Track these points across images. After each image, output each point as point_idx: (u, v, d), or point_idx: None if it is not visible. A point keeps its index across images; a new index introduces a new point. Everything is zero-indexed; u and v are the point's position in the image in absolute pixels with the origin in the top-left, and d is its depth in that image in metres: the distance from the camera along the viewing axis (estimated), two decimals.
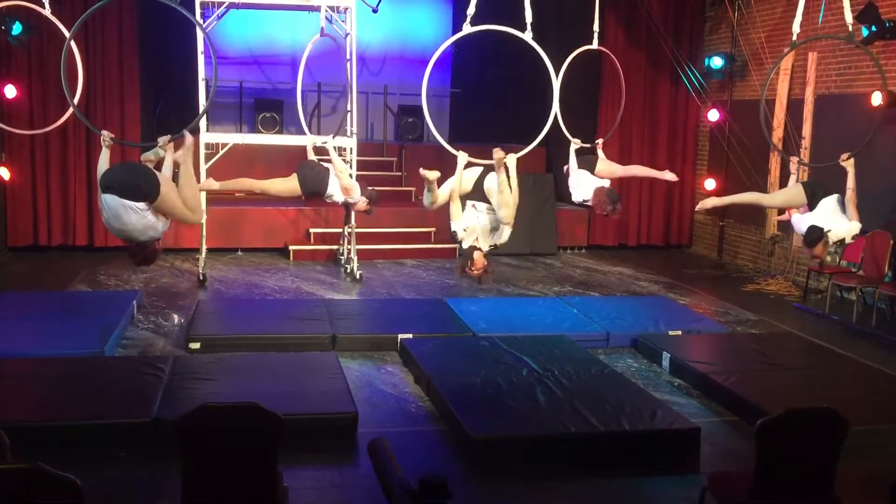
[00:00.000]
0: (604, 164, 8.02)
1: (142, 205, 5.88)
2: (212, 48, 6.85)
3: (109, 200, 5.87)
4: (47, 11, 6.87)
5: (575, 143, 8.14)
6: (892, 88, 8.92)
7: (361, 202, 8.21)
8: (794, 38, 7.28)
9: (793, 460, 3.81)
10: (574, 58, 8.27)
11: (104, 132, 6.14)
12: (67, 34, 6.75)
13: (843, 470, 3.92)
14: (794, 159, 7.58)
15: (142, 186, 5.91)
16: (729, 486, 4.09)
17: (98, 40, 10.96)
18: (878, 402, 6.06)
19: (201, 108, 9.59)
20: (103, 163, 6.05)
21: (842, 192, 6.91)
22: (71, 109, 6.87)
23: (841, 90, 9.85)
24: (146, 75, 11.50)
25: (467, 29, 7.03)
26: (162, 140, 6.32)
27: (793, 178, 7.52)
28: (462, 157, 6.62)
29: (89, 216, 11.23)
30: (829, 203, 6.94)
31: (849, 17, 7.08)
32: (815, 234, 6.80)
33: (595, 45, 8.33)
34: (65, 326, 7.21)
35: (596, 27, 8.11)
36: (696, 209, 8.21)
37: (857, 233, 6.85)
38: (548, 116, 7.52)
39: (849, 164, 6.89)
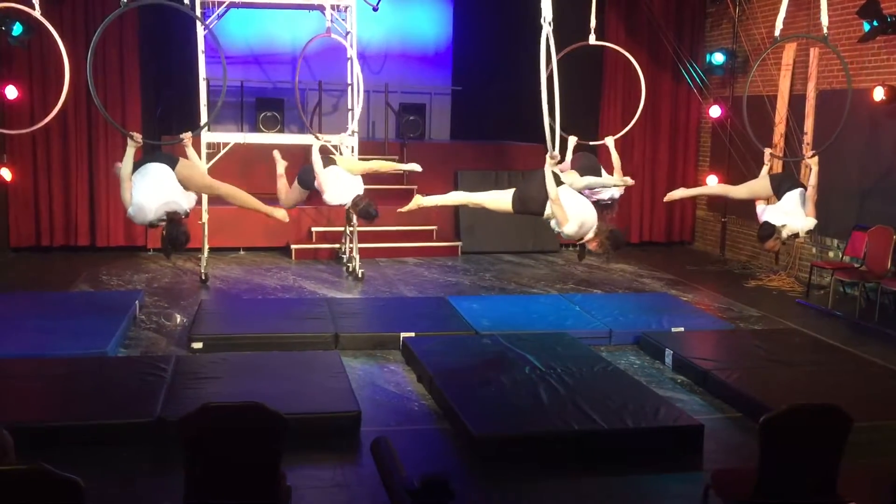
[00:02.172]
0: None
1: (169, 168, 6.45)
2: (218, 45, 6.87)
3: (149, 166, 6.41)
4: (37, 13, 6.86)
5: (572, 141, 8.11)
6: (894, 84, 8.90)
7: (350, 205, 7.89)
8: (777, 34, 7.32)
9: (796, 457, 3.81)
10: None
11: (135, 134, 6.43)
12: (59, 39, 6.81)
13: (846, 466, 3.91)
14: (766, 151, 7.66)
15: (166, 153, 6.73)
16: (732, 483, 4.08)
17: (98, 40, 10.93)
18: (882, 398, 6.06)
19: (202, 108, 9.61)
20: (129, 162, 6.30)
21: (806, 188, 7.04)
22: (59, 104, 7.00)
23: (843, 85, 9.81)
24: (147, 74, 11.49)
25: (546, 30, 6.84)
26: (185, 136, 6.74)
27: (765, 169, 7.58)
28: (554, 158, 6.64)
29: (91, 216, 11.24)
30: (793, 197, 7.11)
31: (825, 20, 7.15)
32: (766, 231, 7.04)
33: (592, 40, 8.30)
34: (67, 327, 7.21)
35: (593, 22, 8.08)
36: (665, 200, 8.19)
37: (811, 228, 7.07)
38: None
39: (813, 162, 7.06)
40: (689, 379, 6.63)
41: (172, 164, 6.54)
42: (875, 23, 8.65)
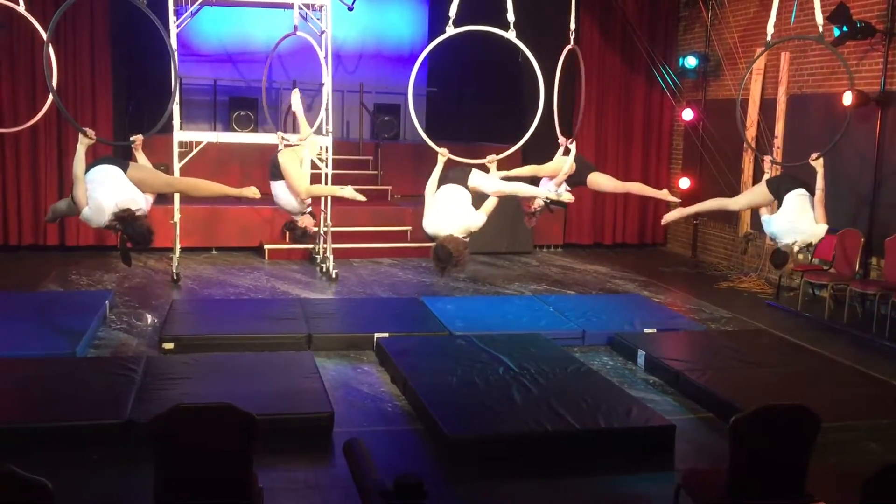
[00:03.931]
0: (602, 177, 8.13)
1: (120, 170, 6.28)
2: (174, 55, 6.79)
3: (102, 167, 6.20)
4: (22, 8, 6.76)
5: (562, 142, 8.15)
6: (863, 88, 9.04)
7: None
8: (769, 38, 7.32)
9: (766, 457, 3.85)
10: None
11: (89, 130, 6.23)
12: (42, 31, 6.69)
13: (815, 466, 3.96)
14: (766, 158, 7.58)
15: (115, 157, 6.53)
16: (703, 482, 4.12)
17: (69, 37, 10.81)
18: (850, 398, 6.13)
19: (175, 107, 9.49)
20: (80, 160, 6.10)
21: (807, 186, 6.89)
22: (43, 110, 6.89)
23: (813, 90, 9.96)
24: (118, 73, 11.37)
25: (451, 31, 6.90)
26: (136, 138, 6.58)
27: (765, 178, 7.55)
28: (443, 154, 6.77)
29: None
30: (793, 201, 6.89)
31: (819, 19, 7.12)
32: (781, 260, 6.87)
33: (572, 43, 8.34)
34: (36, 327, 7.12)
35: (572, 25, 8.11)
36: (662, 222, 8.28)
37: (823, 235, 6.85)
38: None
39: (818, 164, 6.87)
40: (661, 379, 6.68)
41: (123, 167, 6.35)
42: (845, 28, 8.77)
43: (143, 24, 11.27)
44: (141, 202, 6.27)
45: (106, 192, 6.10)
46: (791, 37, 9.78)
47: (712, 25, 11.68)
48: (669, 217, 7.80)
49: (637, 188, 8.22)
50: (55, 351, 6.55)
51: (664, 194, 8.01)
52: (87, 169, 6.21)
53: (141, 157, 6.65)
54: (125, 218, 6.07)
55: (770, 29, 7.30)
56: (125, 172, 6.31)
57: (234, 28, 13.53)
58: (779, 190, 6.96)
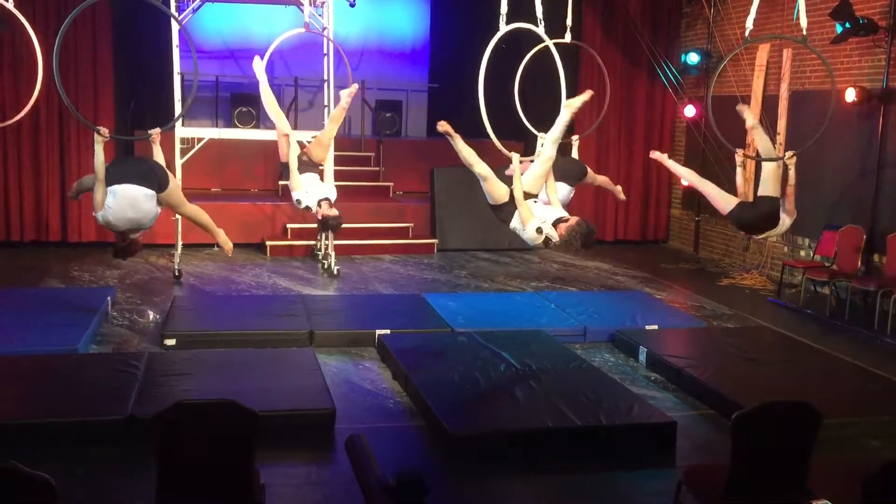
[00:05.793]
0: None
1: (153, 193, 6.39)
2: (191, 42, 6.82)
3: (132, 190, 6.27)
4: (10, 5, 6.76)
5: (541, 138, 8.18)
6: (865, 85, 9.02)
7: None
8: (747, 34, 7.32)
9: (768, 453, 3.85)
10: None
11: (102, 129, 6.27)
12: (30, 28, 6.75)
13: (816, 462, 3.96)
14: (739, 151, 7.57)
15: (156, 172, 6.49)
16: (705, 479, 4.12)
17: (70, 34, 10.77)
18: (851, 394, 6.14)
19: (177, 103, 9.51)
20: (100, 161, 6.17)
21: (772, 219, 7.04)
22: (30, 104, 6.97)
23: (815, 86, 9.94)
24: (120, 69, 11.37)
25: (568, 39, 7.36)
26: (154, 132, 6.64)
27: (739, 171, 7.56)
28: (515, 159, 6.91)
29: (62, 211, 11.11)
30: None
31: (804, 22, 7.17)
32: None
33: (568, 38, 8.31)
34: (38, 323, 7.12)
35: (569, 21, 8.11)
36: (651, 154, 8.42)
37: (786, 229, 7.18)
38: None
39: (791, 162, 7.03)
40: (663, 376, 6.68)
41: (161, 187, 6.43)
42: (847, 24, 8.76)
43: (144, 20, 11.34)
44: (148, 224, 6.54)
45: (122, 215, 6.29)
46: (775, 36, 9.79)
47: (715, 22, 11.66)
48: (656, 155, 8.15)
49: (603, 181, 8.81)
50: (57, 347, 6.55)
51: (617, 191, 8.83)
52: (122, 178, 6.27)
53: (157, 151, 6.70)
54: (118, 246, 6.60)
55: (749, 25, 7.26)
56: (159, 193, 6.41)
57: (235, 24, 13.52)
58: (741, 215, 7.18)
